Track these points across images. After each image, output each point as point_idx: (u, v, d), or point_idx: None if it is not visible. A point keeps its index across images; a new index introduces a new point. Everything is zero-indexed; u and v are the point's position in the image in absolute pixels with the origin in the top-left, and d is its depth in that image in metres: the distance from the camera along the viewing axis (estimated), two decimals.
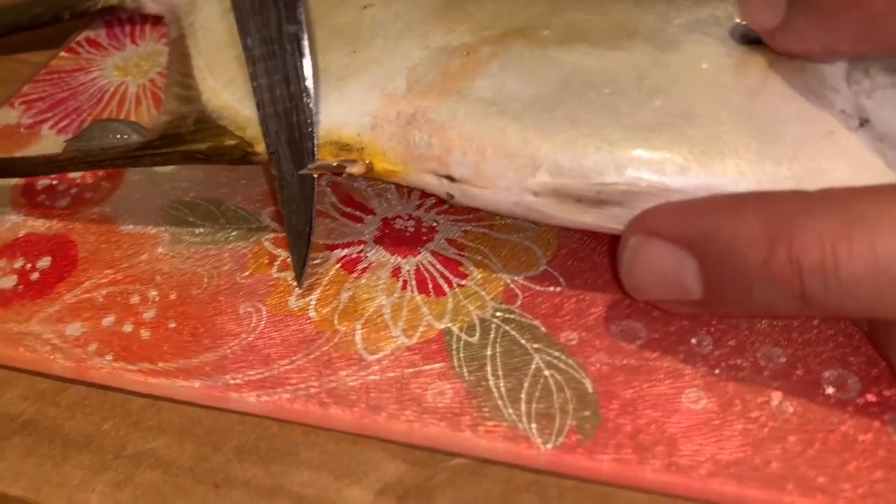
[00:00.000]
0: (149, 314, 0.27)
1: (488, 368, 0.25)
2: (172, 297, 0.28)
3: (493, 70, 0.26)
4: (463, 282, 0.28)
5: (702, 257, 0.22)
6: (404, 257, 0.29)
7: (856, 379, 0.24)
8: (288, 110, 0.26)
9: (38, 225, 0.31)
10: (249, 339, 0.26)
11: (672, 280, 0.23)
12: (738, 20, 0.26)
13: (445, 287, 0.28)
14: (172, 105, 0.30)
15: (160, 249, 0.29)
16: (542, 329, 0.26)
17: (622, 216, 0.24)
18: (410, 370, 0.25)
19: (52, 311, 0.28)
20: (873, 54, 0.23)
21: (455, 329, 0.26)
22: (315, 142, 0.26)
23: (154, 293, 0.28)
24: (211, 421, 0.25)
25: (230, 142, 0.28)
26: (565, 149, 0.24)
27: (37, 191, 0.32)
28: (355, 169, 0.26)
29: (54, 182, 0.32)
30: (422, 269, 0.28)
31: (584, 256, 0.28)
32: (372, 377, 0.25)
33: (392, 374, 0.25)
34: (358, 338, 0.26)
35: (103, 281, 0.28)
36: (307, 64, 0.26)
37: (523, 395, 0.24)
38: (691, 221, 0.22)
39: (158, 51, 0.39)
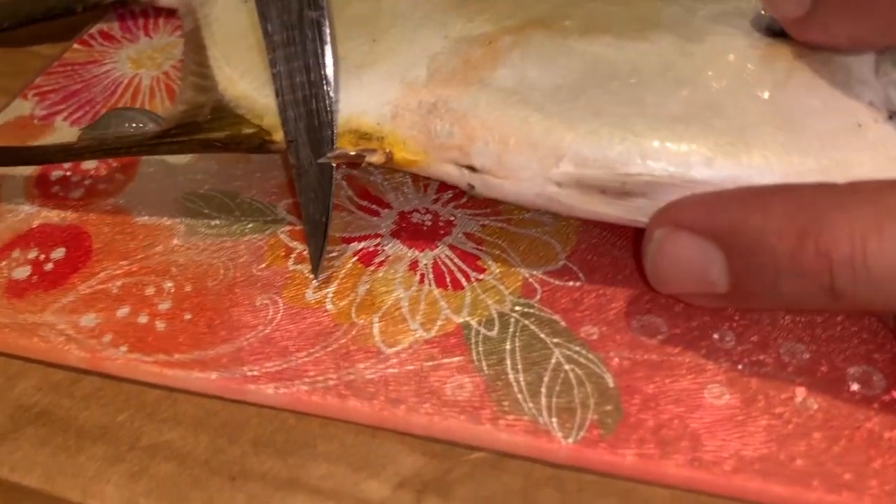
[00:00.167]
0: (164, 305, 0.27)
1: (508, 362, 0.25)
2: (188, 288, 0.27)
3: (514, 59, 0.25)
4: (481, 276, 0.27)
5: (729, 250, 0.22)
6: (422, 251, 0.28)
7: (881, 376, 0.24)
8: (307, 98, 0.26)
9: (52, 216, 0.30)
10: (266, 331, 0.26)
11: (698, 273, 0.22)
12: (762, 12, 0.25)
13: (463, 281, 0.27)
14: (189, 94, 0.30)
15: (175, 241, 0.29)
16: (562, 323, 0.26)
17: (646, 208, 0.24)
18: (429, 363, 0.25)
19: (66, 301, 0.27)
20: None
21: (473, 323, 0.26)
22: (334, 130, 0.26)
23: (169, 285, 0.28)
24: (227, 413, 0.25)
25: (248, 130, 0.27)
26: (589, 139, 0.23)
27: (50, 182, 0.32)
28: (375, 158, 0.26)
29: (68, 173, 0.32)
30: (439, 262, 0.28)
31: (603, 251, 0.28)
32: (390, 370, 0.25)
33: (411, 368, 0.25)
34: (376, 331, 0.26)
35: (118, 272, 0.28)
36: (328, 51, 0.26)
37: (543, 390, 0.24)
38: (718, 213, 0.22)
39: (172, 43, 0.39)
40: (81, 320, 0.27)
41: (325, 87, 0.26)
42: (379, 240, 0.29)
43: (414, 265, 0.28)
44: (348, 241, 0.29)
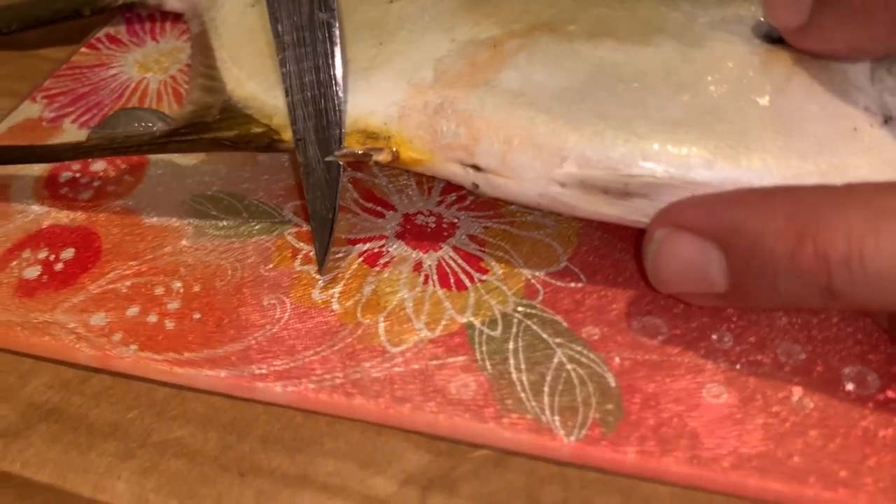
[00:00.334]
0: (173, 305, 0.27)
1: (511, 362, 0.25)
2: (196, 288, 0.28)
3: (520, 62, 0.26)
4: (484, 277, 0.28)
5: (728, 250, 0.22)
6: (426, 252, 0.29)
7: (875, 376, 0.24)
8: (316, 97, 0.27)
9: (62, 217, 0.31)
10: (274, 330, 0.26)
11: (698, 272, 0.23)
12: (761, 19, 0.26)
13: (467, 282, 0.28)
14: (197, 95, 0.31)
15: (184, 242, 0.30)
16: (564, 324, 0.26)
17: (648, 209, 0.24)
18: (434, 362, 0.25)
19: (76, 300, 0.28)
20: None
21: (477, 323, 0.26)
22: (342, 130, 0.27)
23: (178, 284, 0.28)
24: (235, 411, 0.25)
25: (257, 129, 0.28)
26: (593, 140, 0.24)
27: (60, 183, 0.32)
28: (381, 157, 0.26)
29: (77, 175, 0.33)
30: (443, 263, 0.28)
31: (604, 254, 0.28)
32: (396, 369, 0.25)
33: (416, 367, 0.25)
34: (381, 330, 0.26)
35: (127, 272, 0.29)
36: (338, 52, 0.27)
37: (546, 389, 0.24)
38: (718, 214, 0.22)
39: (179, 47, 0.39)
40: (92, 319, 0.27)
41: (334, 88, 0.27)
42: (384, 241, 0.29)
43: (418, 266, 0.28)
44: (354, 242, 0.29)
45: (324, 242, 0.27)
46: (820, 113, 0.24)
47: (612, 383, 0.25)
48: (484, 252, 0.29)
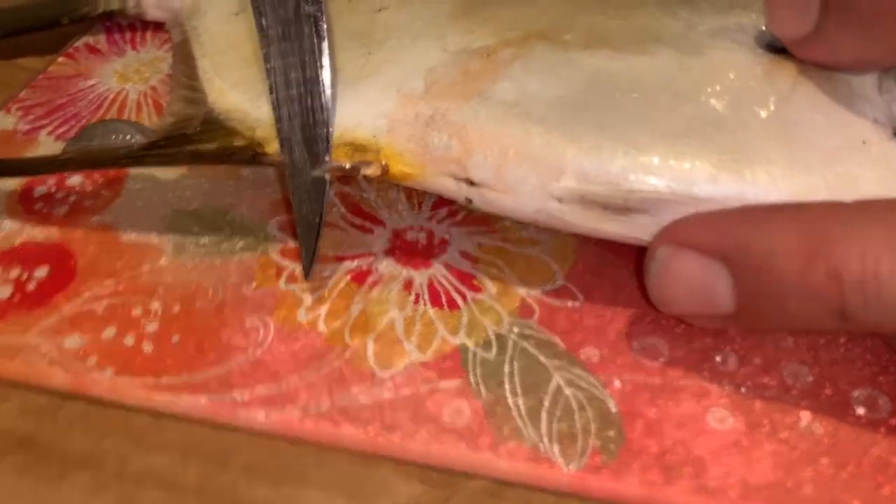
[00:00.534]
0: (151, 327, 0.26)
1: (507, 386, 0.24)
2: (176, 309, 0.27)
3: (515, 72, 0.25)
4: (478, 295, 0.27)
5: (735, 270, 0.21)
6: (416, 270, 0.28)
7: (886, 399, 0.23)
8: (303, 95, 0.26)
9: (36, 233, 0.30)
10: (257, 353, 0.25)
11: (703, 293, 0.22)
12: (763, 28, 0.25)
13: (459, 301, 0.27)
14: (178, 107, 0.29)
15: (163, 260, 0.28)
16: (562, 345, 0.25)
17: (649, 225, 0.23)
18: (426, 387, 0.24)
19: (49, 322, 0.26)
20: None
21: (470, 344, 0.25)
22: (330, 129, 0.26)
23: (157, 305, 0.27)
24: (217, 439, 0.24)
25: (240, 142, 0.27)
26: (592, 154, 0.23)
27: (34, 198, 0.31)
28: (370, 171, 0.25)
29: (52, 190, 0.31)
30: (435, 282, 0.27)
31: (602, 272, 0.27)
32: (386, 394, 0.24)
33: (406, 392, 0.24)
34: (370, 353, 0.25)
35: (103, 292, 0.27)
36: (325, 47, 0.26)
37: (544, 415, 0.23)
38: (725, 232, 0.21)
39: (160, 57, 0.38)
40: (65, 342, 0.26)
41: (321, 85, 0.25)
42: (372, 258, 0.28)
43: (409, 284, 0.27)
44: (341, 259, 0.28)
45: (310, 248, 0.26)
46: (826, 124, 0.23)
47: (613, 408, 0.23)
48: (477, 269, 0.28)
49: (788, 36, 0.23)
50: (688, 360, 0.25)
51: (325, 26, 0.26)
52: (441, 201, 0.30)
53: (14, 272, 0.28)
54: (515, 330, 0.26)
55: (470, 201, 0.25)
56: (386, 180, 0.26)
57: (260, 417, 0.24)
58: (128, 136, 0.29)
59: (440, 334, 0.26)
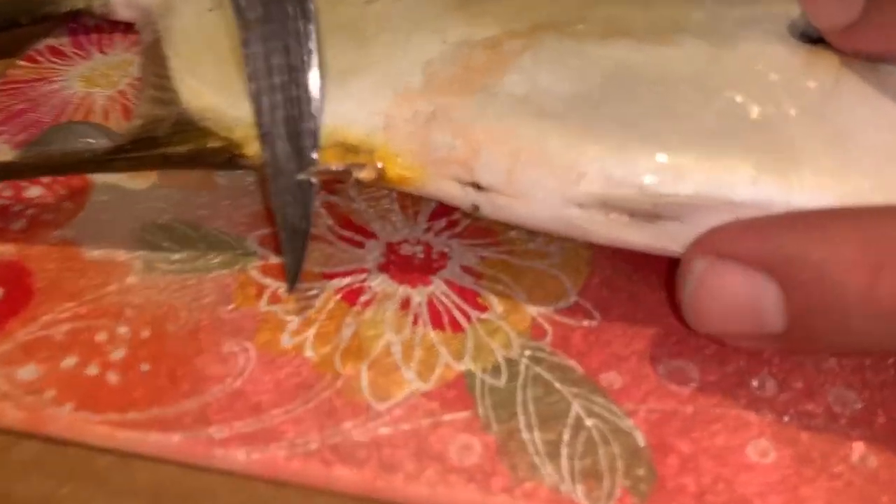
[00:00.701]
0: (117, 354, 0.23)
1: (520, 418, 0.21)
2: (145, 334, 0.24)
3: (524, 64, 0.23)
4: (483, 315, 0.24)
5: (787, 284, 0.19)
6: (414, 287, 0.25)
7: None
8: (286, 83, 0.23)
9: None
10: (236, 383, 0.23)
11: (748, 310, 0.19)
12: (796, 17, 0.23)
13: (463, 322, 0.24)
14: (146, 108, 0.27)
15: (130, 279, 0.26)
16: (579, 370, 0.23)
17: (680, 234, 0.21)
18: (428, 421, 0.21)
19: (2, 350, 0.24)
20: None
21: (478, 371, 0.23)
22: (318, 122, 0.23)
23: (124, 330, 0.24)
24: (191, 481, 0.21)
25: (215, 144, 0.24)
26: (616, 154, 0.21)
27: None
28: (364, 174, 0.23)
29: (8, 202, 0.28)
30: (435, 300, 0.25)
31: (619, 286, 0.25)
32: (383, 429, 0.21)
33: (407, 427, 0.21)
34: (364, 382, 0.22)
35: (64, 315, 0.25)
36: (312, 29, 0.23)
37: (564, 450, 0.21)
38: (772, 241, 0.19)
39: (129, 60, 0.35)
40: (19, 373, 0.23)
41: (307, 72, 0.23)
42: (365, 275, 0.26)
43: (406, 304, 0.25)
44: (330, 276, 0.26)
45: (297, 257, 0.24)
46: (875, 121, 0.21)
47: (641, 442, 0.21)
48: (481, 286, 0.25)
49: (831, 25, 0.21)
50: (721, 385, 0.22)
51: (311, 6, 0.23)
52: (439, 211, 0.27)
53: None
54: (527, 353, 0.23)
55: (477, 208, 0.22)
56: (381, 185, 0.24)
57: (240, 457, 0.21)
58: (91, 140, 0.26)
59: (443, 360, 0.23)
